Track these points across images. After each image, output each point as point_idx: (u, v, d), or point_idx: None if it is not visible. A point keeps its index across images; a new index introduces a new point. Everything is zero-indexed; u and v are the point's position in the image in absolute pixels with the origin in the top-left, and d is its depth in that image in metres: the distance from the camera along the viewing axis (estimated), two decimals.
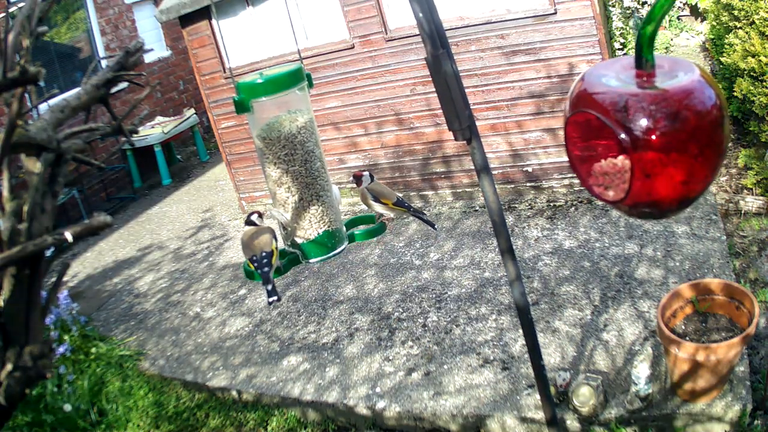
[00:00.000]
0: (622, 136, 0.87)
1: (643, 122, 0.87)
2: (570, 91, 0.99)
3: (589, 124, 0.95)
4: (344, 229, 2.00)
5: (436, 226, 2.25)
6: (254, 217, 1.97)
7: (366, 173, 2.14)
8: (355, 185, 2.17)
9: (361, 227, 2.12)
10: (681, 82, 0.90)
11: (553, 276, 3.91)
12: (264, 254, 1.82)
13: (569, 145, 1.01)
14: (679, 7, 8.01)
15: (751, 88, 4.19)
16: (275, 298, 1.78)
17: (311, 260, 1.92)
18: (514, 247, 2.06)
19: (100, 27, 7.77)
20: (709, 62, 6.39)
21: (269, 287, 1.79)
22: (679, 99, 0.88)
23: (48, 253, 1.00)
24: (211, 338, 4.22)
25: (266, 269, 1.80)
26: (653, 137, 0.87)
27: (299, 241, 1.90)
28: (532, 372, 2.19)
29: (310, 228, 1.88)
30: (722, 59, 4.83)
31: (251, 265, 1.84)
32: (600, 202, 4.66)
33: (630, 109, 0.88)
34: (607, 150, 0.94)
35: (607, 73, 0.95)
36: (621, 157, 0.92)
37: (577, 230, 4.36)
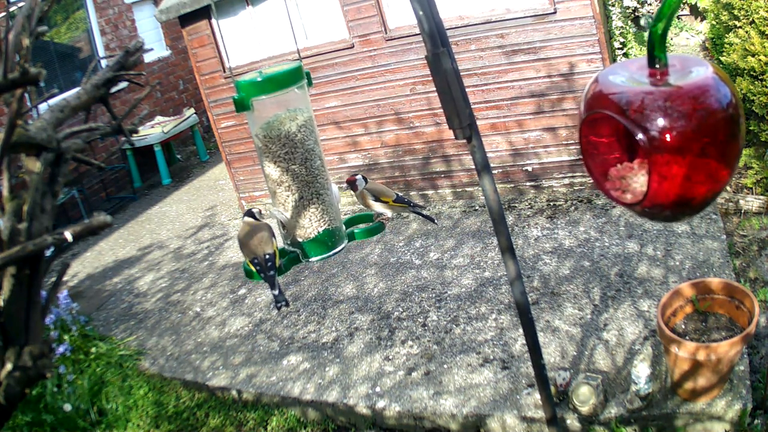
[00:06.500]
0: (639, 135, 0.86)
1: (660, 121, 0.85)
2: (584, 92, 0.98)
3: (605, 125, 0.94)
4: (344, 227, 2.00)
5: (436, 221, 2.25)
6: (255, 211, 1.91)
7: (359, 176, 2.14)
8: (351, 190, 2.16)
9: (361, 226, 2.11)
10: (695, 79, 0.89)
11: (553, 275, 3.91)
12: (267, 256, 1.77)
13: (584, 145, 0.99)
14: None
15: (751, 87, 4.19)
16: (283, 303, 1.75)
17: (311, 259, 1.92)
18: (514, 246, 2.06)
19: (100, 27, 7.76)
20: (709, 61, 6.38)
21: (276, 292, 1.74)
22: (695, 96, 0.87)
23: (48, 253, 1.00)
24: (211, 338, 4.22)
25: (271, 272, 1.75)
26: (669, 135, 0.85)
27: (299, 239, 1.89)
28: (532, 371, 2.19)
29: (310, 227, 1.88)
30: (722, 59, 4.83)
31: (252, 267, 1.81)
32: (600, 202, 4.67)
33: (645, 108, 0.86)
34: (623, 151, 0.93)
35: (620, 73, 0.94)
36: (638, 159, 0.90)
37: (577, 229, 4.36)
